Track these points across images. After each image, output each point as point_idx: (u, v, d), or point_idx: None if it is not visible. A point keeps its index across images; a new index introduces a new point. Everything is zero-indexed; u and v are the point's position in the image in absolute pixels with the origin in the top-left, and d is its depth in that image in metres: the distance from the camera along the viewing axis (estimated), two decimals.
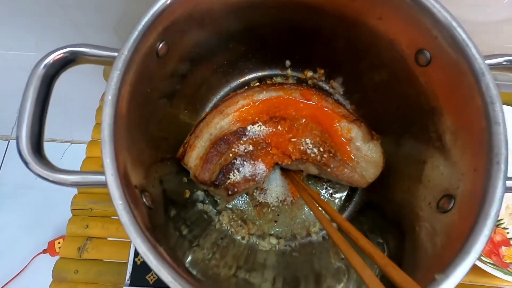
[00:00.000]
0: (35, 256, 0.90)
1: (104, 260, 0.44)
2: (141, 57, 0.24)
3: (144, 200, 0.23)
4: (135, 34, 0.23)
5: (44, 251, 0.90)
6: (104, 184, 0.21)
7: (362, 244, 0.23)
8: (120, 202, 0.19)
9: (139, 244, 0.19)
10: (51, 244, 0.91)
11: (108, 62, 0.24)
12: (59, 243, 0.91)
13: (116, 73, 0.22)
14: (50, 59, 0.22)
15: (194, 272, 0.27)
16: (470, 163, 0.23)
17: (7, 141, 1.01)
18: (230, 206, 0.38)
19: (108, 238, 0.45)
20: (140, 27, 0.23)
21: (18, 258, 0.90)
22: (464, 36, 0.23)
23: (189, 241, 0.32)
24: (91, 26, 0.51)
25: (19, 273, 0.90)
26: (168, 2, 0.24)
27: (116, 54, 0.23)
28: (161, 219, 0.28)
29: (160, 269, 0.18)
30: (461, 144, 0.24)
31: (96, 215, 0.46)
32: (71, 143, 0.99)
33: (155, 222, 0.24)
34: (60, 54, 0.22)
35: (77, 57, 0.23)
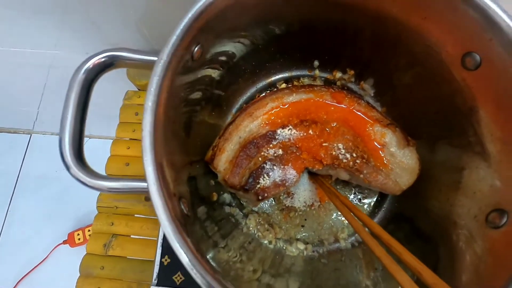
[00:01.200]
0: (55, 247, 0.93)
1: (128, 257, 0.45)
2: (178, 61, 0.23)
3: (182, 207, 0.23)
4: (173, 39, 0.22)
5: (64, 242, 0.92)
6: (143, 191, 0.21)
7: (406, 259, 0.22)
8: (164, 213, 0.19)
9: (184, 256, 0.18)
10: (70, 235, 0.94)
11: (143, 66, 0.24)
12: (78, 234, 0.93)
13: (155, 79, 0.21)
14: (90, 64, 0.21)
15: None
16: None
17: (29, 135, 1.03)
18: (256, 209, 0.38)
19: (132, 236, 0.46)
20: (178, 31, 0.22)
21: (39, 248, 0.92)
22: None
23: (214, 241, 0.31)
24: (111, 24, 0.51)
25: (40, 262, 0.92)
26: (205, 3, 0.23)
27: (152, 58, 0.23)
28: (190, 220, 0.28)
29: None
30: None
31: (120, 213, 0.47)
32: (89, 138, 1.00)
33: (186, 222, 0.24)
34: (100, 58, 0.22)
35: (115, 61, 0.22)
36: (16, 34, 0.58)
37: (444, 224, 0.29)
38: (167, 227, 0.19)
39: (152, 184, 0.19)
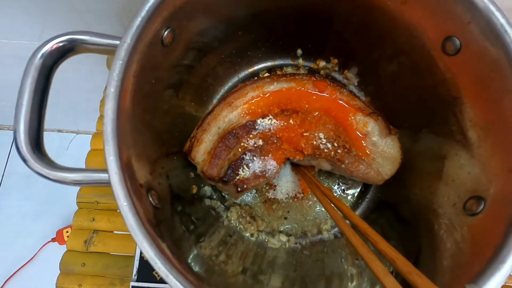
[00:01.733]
0: (44, 245, 0.91)
1: (111, 253, 0.44)
2: (145, 45, 0.22)
3: (151, 199, 0.22)
4: (138, 20, 0.21)
5: (53, 240, 0.91)
6: (108, 183, 0.20)
7: (382, 248, 0.21)
8: (125, 203, 0.18)
9: (146, 248, 0.17)
10: (59, 232, 0.92)
11: (110, 51, 0.22)
12: (67, 232, 0.92)
13: (118, 63, 0.20)
14: (47, 48, 0.20)
15: (197, 268, 0.26)
16: (504, 163, 0.21)
17: (14, 131, 1.01)
18: (238, 201, 0.37)
19: (115, 232, 0.45)
20: (143, 13, 0.21)
21: (27, 247, 0.91)
22: (503, 21, 0.21)
23: (196, 236, 0.31)
24: (95, 14, 0.50)
25: (29, 261, 0.91)
26: None
27: (118, 42, 0.21)
28: (167, 215, 0.27)
29: (168, 275, 0.17)
30: (492, 142, 0.22)
31: (102, 208, 0.45)
32: (77, 134, 0.98)
33: (160, 218, 0.23)
34: (58, 42, 0.20)
35: (76, 45, 0.21)
36: None
37: (425, 212, 0.28)
38: (129, 219, 0.18)
39: (113, 174, 0.18)
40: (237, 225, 0.35)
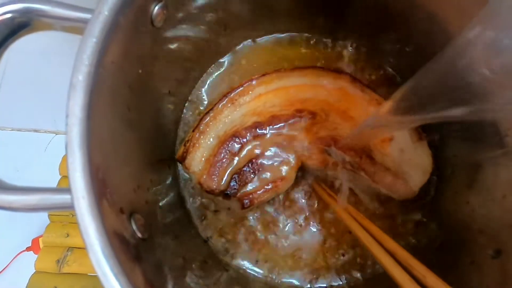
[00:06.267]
0: (18, 254, 0.83)
1: (89, 274, 0.38)
2: (130, 23, 0.17)
3: (135, 227, 0.16)
4: None
5: (28, 249, 0.83)
6: (72, 207, 0.14)
7: (431, 284, 0.17)
8: (97, 242, 0.12)
9: None
10: (35, 241, 0.84)
11: (80, 30, 0.17)
12: None
13: (91, 42, 0.14)
14: None
15: None
16: None
17: None
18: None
19: None
20: None
21: (0, 256, 0.83)
22: None
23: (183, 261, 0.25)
24: None
25: (2, 270, 0.83)
26: None
27: (89, 15, 0.16)
28: (154, 245, 0.21)
29: None
30: None
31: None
32: (56, 134, 0.90)
33: (147, 253, 0.18)
34: (7, 13, 0.15)
35: (33, 19, 0.15)
36: None
37: (466, 232, 0.24)
38: (103, 266, 0.12)
39: (80, 198, 0.13)
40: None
